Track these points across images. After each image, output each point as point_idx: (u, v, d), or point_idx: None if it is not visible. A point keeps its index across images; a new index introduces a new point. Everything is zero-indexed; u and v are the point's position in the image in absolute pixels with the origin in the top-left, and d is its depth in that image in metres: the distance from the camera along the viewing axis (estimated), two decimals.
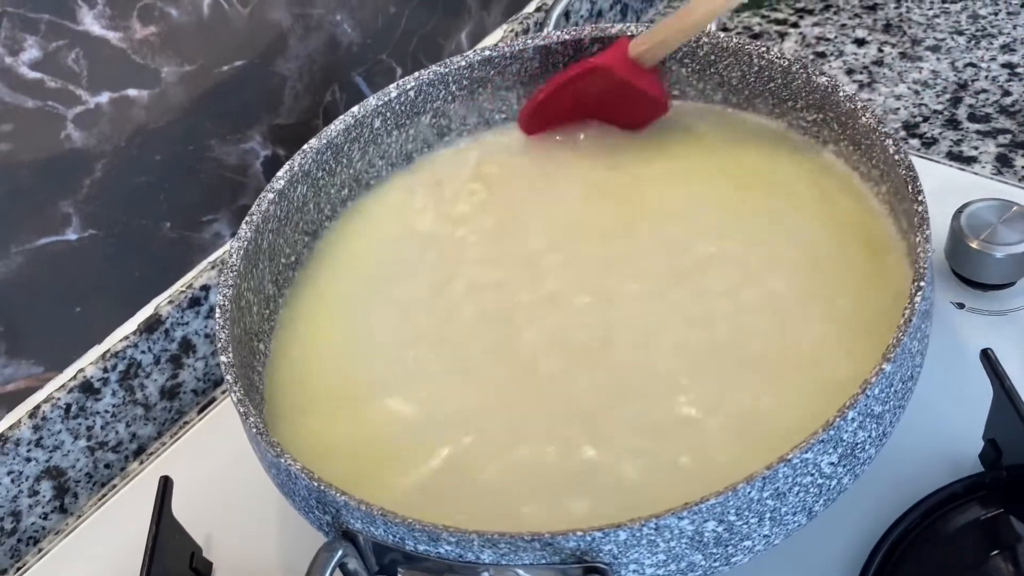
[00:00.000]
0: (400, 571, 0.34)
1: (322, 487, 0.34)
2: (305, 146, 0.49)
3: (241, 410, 0.38)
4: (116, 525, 0.50)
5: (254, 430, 0.37)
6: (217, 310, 0.42)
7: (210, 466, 0.50)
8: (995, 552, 0.40)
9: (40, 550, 0.51)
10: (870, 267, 0.43)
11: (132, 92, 0.48)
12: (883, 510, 0.41)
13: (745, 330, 0.42)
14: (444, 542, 0.32)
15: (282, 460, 0.36)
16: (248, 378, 0.43)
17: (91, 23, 0.45)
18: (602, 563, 0.31)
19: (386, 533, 0.33)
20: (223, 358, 0.40)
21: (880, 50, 0.68)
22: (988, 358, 0.41)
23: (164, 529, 0.43)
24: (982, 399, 0.42)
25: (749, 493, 0.31)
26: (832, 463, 0.33)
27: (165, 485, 0.44)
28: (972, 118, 0.62)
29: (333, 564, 0.33)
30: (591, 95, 0.52)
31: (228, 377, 0.39)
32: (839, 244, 0.44)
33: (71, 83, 0.45)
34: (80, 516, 0.52)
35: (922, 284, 0.35)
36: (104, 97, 0.47)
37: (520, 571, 0.32)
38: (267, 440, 0.36)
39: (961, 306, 0.50)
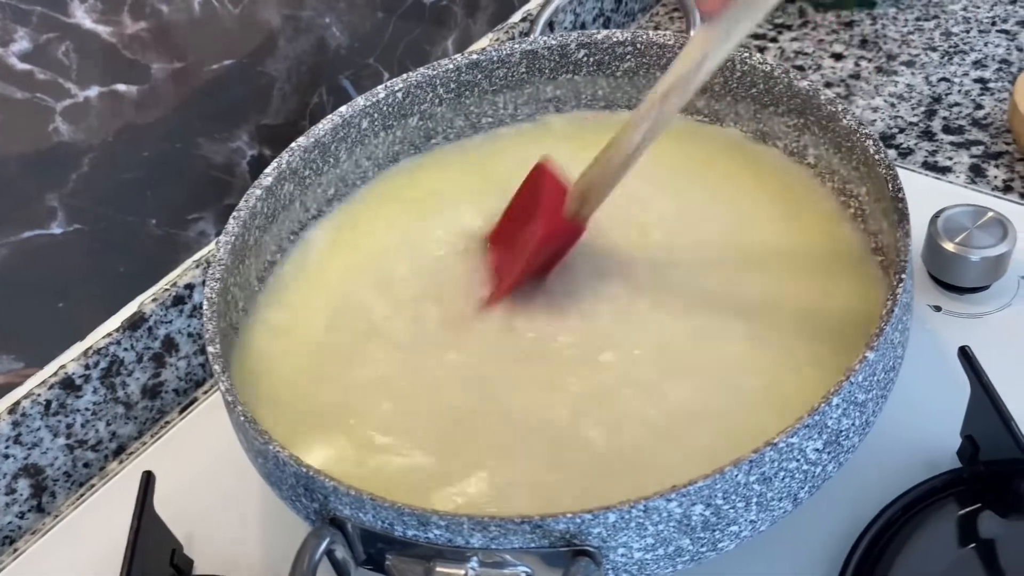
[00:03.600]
0: (388, 558, 0.34)
1: (311, 473, 0.34)
2: (293, 144, 0.50)
3: (229, 399, 0.38)
4: (94, 525, 0.49)
5: (242, 418, 0.37)
6: (204, 302, 0.42)
7: (190, 466, 0.50)
8: (973, 546, 0.40)
9: (16, 550, 0.50)
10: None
11: (121, 87, 0.48)
12: (864, 504, 0.41)
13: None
14: (434, 526, 0.32)
15: (270, 447, 0.36)
16: (232, 372, 0.43)
17: (82, 16, 0.45)
18: (591, 546, 0.31)
19: (375, 518, 0.33)
20: (211, 349, 0.40)
21: (857, 64, 0.69)
22: (966, 355, 0.42)
23: (146, 524, 0.43)
24: (959, 398, 0.43)
25: (736, 476, 0.32)
26: (817, 449, 0.34)
27: (148, 480, 0.44)
28: (946, 130, 0.63)
29: (321, 550, 0.33)
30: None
31: (216, 367, 0.39)
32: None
33: (60, 76, 0.45)
34: (57, 516, 0.51)
35: (903, 276, 0.36)
36: (93, 91, 0.47)
37: (508, 556, 0.32)
38: (255, 428, 0.36)
39: (938, 309, 0.51)
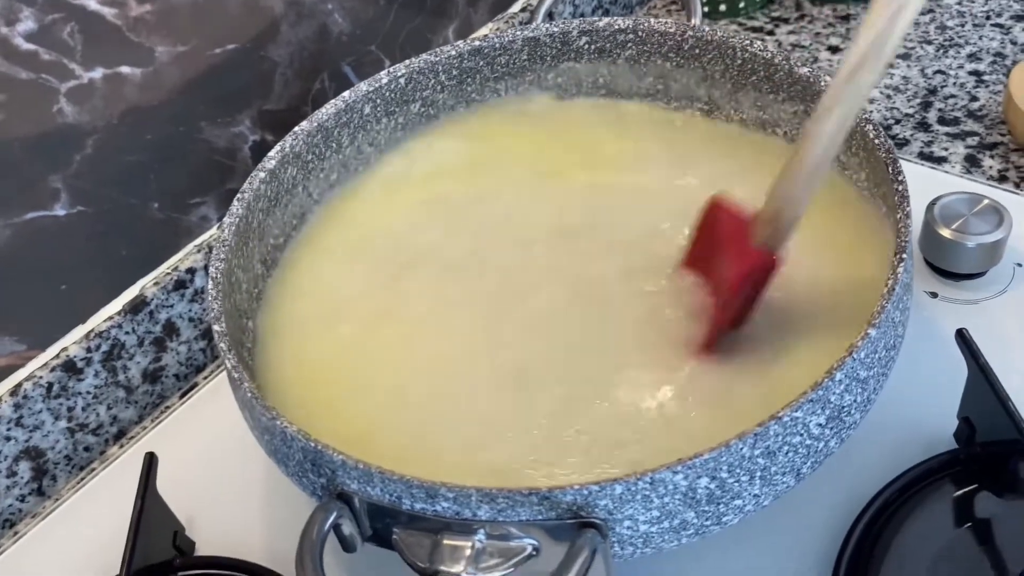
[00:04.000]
0: (395, 532, 0.34)
1: (319, 447, 0.34)
2: (296, 128, 0.50)
3: (235, 376, 0.38)
4: (94, 509, 0.49)
5: (249, 394, 0.37)
6: (210, 282, 0.42)
7: (191, 451, 0.50)
8: (970, 525, 0.41)
9: (16, 533, 0.50)
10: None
11: (125, 69, 0.48)
12: (864, 483, 0.42)
13: None
14: (442, 498, 0.33)
15: (278, 423, 0.36)
16: (238, 351, 0.43)
17: None
18: (597, 518, 0.32)
19: (383, 492, 0.34)
20: (216, 327, 0.40)
21: None
22: (963, 337, 0.42)
23: (149, 505, 0.43)
24: (956, 381, 0.43)
25: (741, 450, 0.32)
26: (820, 424, 0.34)
27: (150, 461, 0.44)
28: (942, 121, 0.64)
29: (329, 523, 0.34)
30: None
31: (222, 345, 0.39)
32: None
33: (65, 57, 0.45)
34: (58, 499, 0.51)
35: (904, 256, 0.37)
36: (98, 73, 0.47)
37: (514, 529, 0.33)
38: (262, 404, 0.37)
39: (934, 295, 0.51)
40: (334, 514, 0.34)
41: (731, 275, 0.40)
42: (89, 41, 0.46)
